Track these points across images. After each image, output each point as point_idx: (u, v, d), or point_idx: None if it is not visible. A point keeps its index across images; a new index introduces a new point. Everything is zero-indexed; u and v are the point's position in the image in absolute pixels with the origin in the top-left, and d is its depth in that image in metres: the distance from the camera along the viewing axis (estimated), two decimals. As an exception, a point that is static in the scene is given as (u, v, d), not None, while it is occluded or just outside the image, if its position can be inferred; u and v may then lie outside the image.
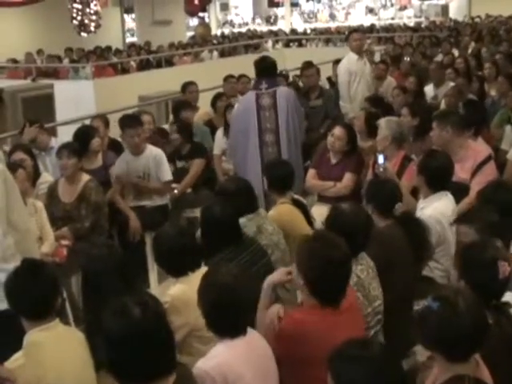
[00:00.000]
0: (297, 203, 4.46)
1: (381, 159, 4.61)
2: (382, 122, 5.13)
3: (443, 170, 4.16)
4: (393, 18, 30.56)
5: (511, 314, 2.68)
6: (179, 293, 3.17)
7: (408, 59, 10.59)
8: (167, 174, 5.66)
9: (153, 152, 5.61)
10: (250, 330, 2.64)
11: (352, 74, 7.33)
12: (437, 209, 4.00)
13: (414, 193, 4.60)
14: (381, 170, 4.60)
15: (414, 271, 3.63)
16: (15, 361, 2.65)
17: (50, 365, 2.63)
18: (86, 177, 5.11)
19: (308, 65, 7.78)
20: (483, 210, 3.38)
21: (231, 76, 8.18)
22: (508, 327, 2.58)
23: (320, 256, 2.71)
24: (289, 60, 13.30)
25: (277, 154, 5.67)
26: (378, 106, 6.40)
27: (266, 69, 5.84)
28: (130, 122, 5.59)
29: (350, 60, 7.46)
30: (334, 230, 3.17)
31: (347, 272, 2.79)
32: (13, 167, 4.29)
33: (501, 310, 2.62)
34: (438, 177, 4.12)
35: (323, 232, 3.00)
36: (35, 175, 5.22)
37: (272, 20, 32.26)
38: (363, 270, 3.22)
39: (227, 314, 2.56)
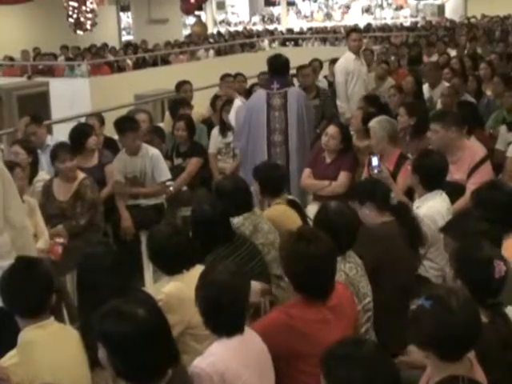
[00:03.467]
0: (292, 204, 4.47)
1: (375, 161, 4.60)
2: (375, 125, 5.10)
3: (438, 168, 4.18)
4: (392, 18, 30.56)
5: (506, 314, 2.68)
6: (173, 290, 3.18)
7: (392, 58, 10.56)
8: (164, 173, 5.65)
9: (149, 152, 5.60)
10: (246, 329, 2.65)
11: (349, 73, 7.36)
12: (432, 207, 4.01)
13: (410, 192, 4.61)
14: (375, 172, 4.60)
15: (411, 268, 3.65)
16: (9, 359, 2.64)
17: (44, 363, 2.62)
18: (81, 175, 5.11)
19: (314, 61, 7.74)
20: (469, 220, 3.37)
21: (228, 75, 8.19)
22: (503, 326, 2.59)
23: (301, 253, 2.76)
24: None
25: (284, 154, 5.70)
26: (374, 105, 6.40)
27: (279, 68, 5.85)
28: (130, 124, 5.58)
29: (347, 60, 7.48)
30: (322, 229, 3.22)
31: (330, 267, 2.81)
32: (10, 165, 4.28)
33: (496, 309, 2.63)
34: (432, 176, 4.14)
35: (306, 229, 3.02)
36: (33, 173, 5.21)
37: (267, 19, 32.18)
38: (352, 267, 3.24)
39: (224, 312, 2.57)
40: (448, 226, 3.37)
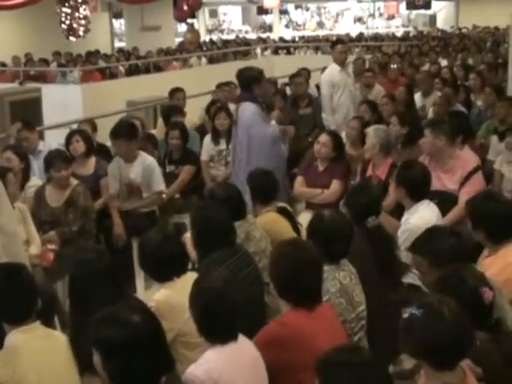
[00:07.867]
0: (282, 211, 4.47)
1: None
2: (370, 131, 5.17)
3: (422, 178, 4.19)
4: (384, 27, 30.74)
5: (509, 330, 2.61)
6: (164, 298, 3.17)
7: (395, 66, 10.65)
8: (159, 183, 5.62)
9: (146, 160, 5.57)
10: (240, 336, 2.65)
11: (335, 86, 7.18)
12: (421, 218, 4.00)
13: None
14: None
15: (380, 284, 3.50)
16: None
17: (28, 365, 2.62)
18: (73, 181, 5.10)
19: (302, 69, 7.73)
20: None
21: (223, 84, 8.20)
22: (508, 342, 2.53)
23: (287, 255, 2.83)
24: (277, 67, 13.36)
25: (233, 164, 5.90)
26: (374, 110, 6.51)
27: (241, 82, 5.95)
28: (132, 131, 5.57)
29: (332, 72, 7.30)
30: (316, 237, 3.23)
31: (316, 273, 2.83)
32: (2, 171, 4.27)
33: (496, 327, 2.57)
34: (417, 186, 4.13)
35: (295, 238, 3.04)
36: (25, 178, 5.19)
37: (260, 28, 32.25)
38: (346, 276, 3.24)
39: (218, 320, 2.57)
40: (417, 244, 3.30)
